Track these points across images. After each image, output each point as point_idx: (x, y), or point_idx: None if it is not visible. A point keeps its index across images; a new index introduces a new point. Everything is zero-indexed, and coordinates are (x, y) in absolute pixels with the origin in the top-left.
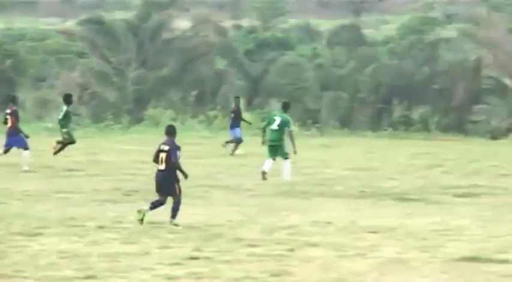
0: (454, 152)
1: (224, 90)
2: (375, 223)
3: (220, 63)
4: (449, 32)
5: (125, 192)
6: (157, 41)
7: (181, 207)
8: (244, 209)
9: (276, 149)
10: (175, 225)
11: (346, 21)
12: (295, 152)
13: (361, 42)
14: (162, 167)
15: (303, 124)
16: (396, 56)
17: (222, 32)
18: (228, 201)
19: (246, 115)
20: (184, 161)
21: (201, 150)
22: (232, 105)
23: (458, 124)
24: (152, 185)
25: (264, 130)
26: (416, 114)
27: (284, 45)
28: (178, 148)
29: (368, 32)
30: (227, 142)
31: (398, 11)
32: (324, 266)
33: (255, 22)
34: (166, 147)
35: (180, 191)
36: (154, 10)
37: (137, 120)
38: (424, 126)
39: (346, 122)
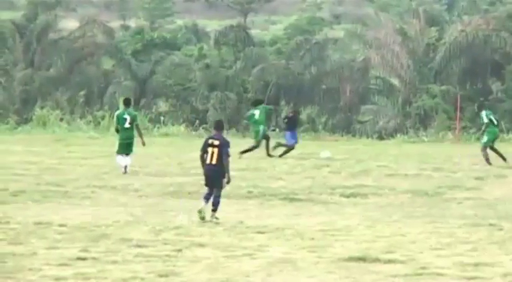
0: (342, 152)
1: (111, 91)
2: (263, 223)
3: (108, 64)
4: (337, 32)
5: (12, 192)
6: (44, 41)
7: (68, 207)
8: (131, 210)
9: (129, 145)
10: (216, 218)
11: (234, 21)
12: (143, 144)
13: (248, 43)
14: (213, 161)
15: (191, 124)
16: (284, 56)
17: (109, 32)
18: (115, 201)
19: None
20: (71, 161)
21: (88, 151)
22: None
23: (346, 124)
24: (39, 185)
25: (117, 130)
26: (304, 114)
27: (171, 45)
28: (228, 144)
29: (255, 33)
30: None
31: (286, 12)
32: (211, 266)
33: (143, 22)
34: (216, 142)
35: (224, 187)
36: (41, 10)
37: (24, 120)
38: (312, 127)
39: (234, 123)
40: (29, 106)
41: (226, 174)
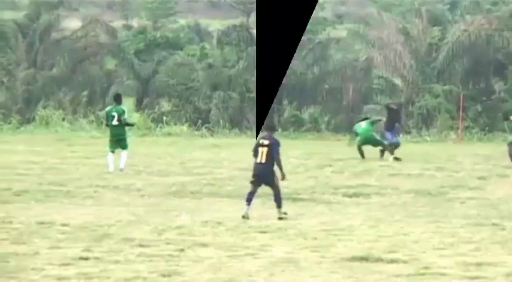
0: (344, 152)
1: (114, 90)
2: (265, 223)
3: (110, 63)
4: (340, 32)
5: (15, 192)
6: (47, 41)
7: (71, 207)
8: (134, 209)
9: (119, 142)
10: (285, 213)
11: (236, 21)
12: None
13: (251, 42)
14: (262, 160)
15: (193, 124)
16: None
17: (111, 32)
18: (117, 201)
19: (135, 116)
20: (73, 161)
21: (91, 150)
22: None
23: (348, 124)
24: (42, 185)
25: (107, 125)
26: (306, 114)
27: (174, 45)
28: (278, 144)
29: None
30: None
31: None
32: (214, 266)
33: (145, 22)
34: (266, 142)
35: (278, 183)
36: (44, 10)
37: (27, 120)
38: (315, 126)
39: (237, 122)
40: (32, 106)
41: (280, 171)
